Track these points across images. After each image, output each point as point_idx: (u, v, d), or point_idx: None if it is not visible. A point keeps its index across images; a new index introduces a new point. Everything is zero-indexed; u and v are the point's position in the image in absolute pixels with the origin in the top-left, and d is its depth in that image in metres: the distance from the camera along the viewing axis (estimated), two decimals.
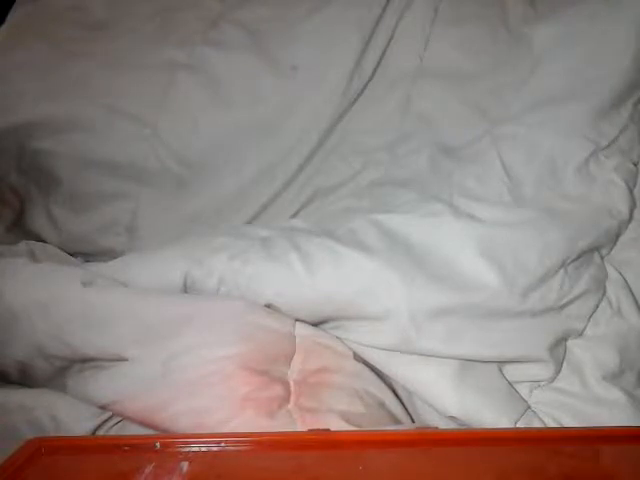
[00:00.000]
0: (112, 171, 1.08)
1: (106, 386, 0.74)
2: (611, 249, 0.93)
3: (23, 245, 1.00)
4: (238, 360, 0.72)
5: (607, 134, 0.96)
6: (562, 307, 0.85)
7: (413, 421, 0.82)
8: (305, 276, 0.81)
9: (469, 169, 1.00)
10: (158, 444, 0.55)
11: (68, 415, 0.71)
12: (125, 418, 0.72)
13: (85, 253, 1.10)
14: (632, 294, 0.89)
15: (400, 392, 0.83)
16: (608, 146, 0.95)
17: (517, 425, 0.78)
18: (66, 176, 1.08)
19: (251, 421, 0.69)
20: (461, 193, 0.96)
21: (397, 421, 0.78)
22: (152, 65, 1.12)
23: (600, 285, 0.89)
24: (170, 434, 0.69)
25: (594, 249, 0.90)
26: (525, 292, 0.82)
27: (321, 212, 1.10)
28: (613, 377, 0.84)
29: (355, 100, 1.10)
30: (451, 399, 0.79)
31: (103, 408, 0.72)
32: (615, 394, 0.82)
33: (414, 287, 0.80)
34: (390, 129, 1.10)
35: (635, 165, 0.97)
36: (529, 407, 0.81)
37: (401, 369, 0.82)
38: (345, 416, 0.72)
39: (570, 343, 0.86)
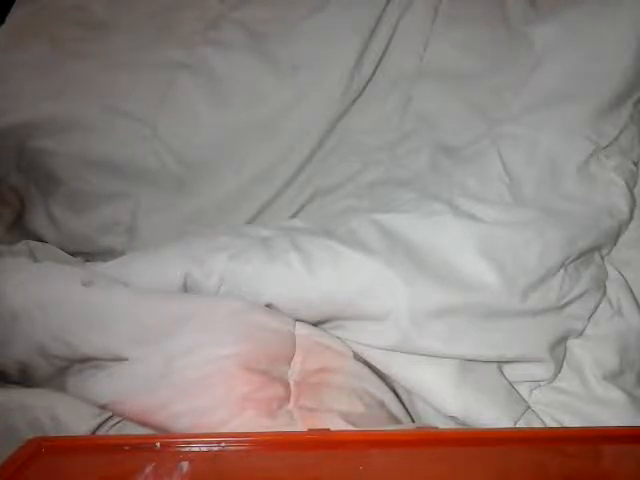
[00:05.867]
0: (112, 171, 1.08)
1: (106, 386, 0.74)
2: (611, 249, 0.93)
3: (23, 245, 1.00)
4: (238, 360, 0.72)
5: (607, 134, 0.96)
6: (562, 307, 0.85)
7: (413, 421, 0.82)
8: (305, 276, 0.81)
9: (469, 169, 1.00)
10: (158, 444, 0.55)
11: (68, 415, 0.70)
12: (125, 418, 0.72)
13: (85, 253, 1.10)
14: (632, 294, 0.89)
15: (400, 392, 0.83)
16: (608, 146, 0.95)
17: (517, 425, 0.78)
18: (66, 176, 1.08)
19: (251, 421, 0.69)
20: (461, 193, 0.96)
21: (397, 421, 0.78)
22: (152, 65, 1.12)
23: (600, 285, 0.89)
24: (170, 434, 0.69)
25: (594, 249, 0.90)
26: (525, 292, 0.82)
27: (321, 212, 1.10)
28: (613, 377, 0.84)
29: (355, 100, 1.10)
30: (451, 399, 0.79)
31: (103, 408, 0.72)
32: (615, 394, 0.82)
33: (414, 287, 0.80)
34: (390, 129, 1.10)
35: (635, 165, 0.97)
36: (529, 407, 0.81)
37: (401, 369, 0.82)
38: (345, 416, 0.72)
39: (570, 343, 0.86)
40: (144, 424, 0.71)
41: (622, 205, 0.92)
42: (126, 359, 0.75)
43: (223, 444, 0.55)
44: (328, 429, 0.66)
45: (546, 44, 1.03)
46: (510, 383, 0.83)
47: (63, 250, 1.07)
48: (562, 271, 0.85)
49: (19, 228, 1.12)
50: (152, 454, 0.54)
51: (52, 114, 1.07)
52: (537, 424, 0.79)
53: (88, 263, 1.03)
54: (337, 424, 0.70)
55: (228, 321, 0.77)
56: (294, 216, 1.10)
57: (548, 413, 0.81)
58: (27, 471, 0.52)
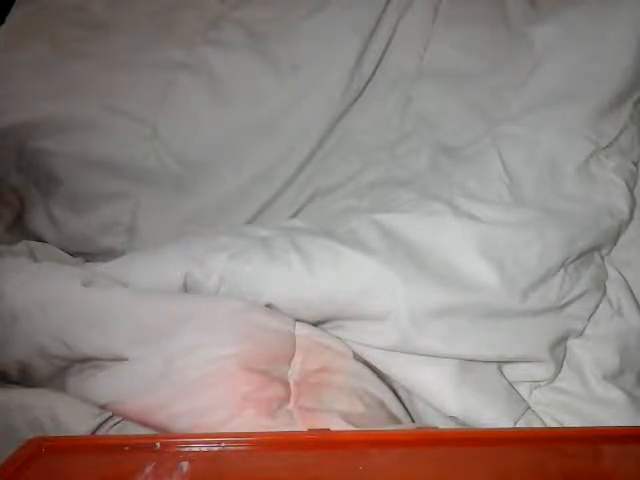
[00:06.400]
0: (112, 171, 1.08)
1: (106, 386, 0.74)
2: (611, 249, 0.93)
3: (23, 245, 1.00)
4: (238, 360, 0.72)
5: (607, 134, 0.96)
6: (562, 307, 0.85)
7: (413, 421, 0.82)
8: (305, 276, 0.81)
9: (469, 169, 1.00)
10: (158, 444, 0.55)
11: (68, 415, 0.70)
12: (125, 418, 0.72)
13: (85, 253, 1.10)
14: (632, 294, 0.90)
15: (400, 392, 0.83)
16: (608, 146, 0.95)
17: (517, 425, 0.78)
18: (66, 176, 1.08)
19: (251, 421, 0.69)
20: (461, 193, 0.96)
21: (397, 421, 0.78)
22: (152, 65, 1.12)
23: (600, 285, 0.89)
24: (170, 434, 0.69)
25: (594, 249, 0.90)
26: (525, 292, 0.82)
27: (321, 212, 1.10)
28: (613, 377, 0.84)
29: (355, 100, 1.10)
30: (451, 399, 0.79)
31: (103, 408, 0.72)
32: (615, 394, 0.82)
33: (414, 287, 0.80)
34: (390, 129, 1.10)
35: (635, 165, 0.97)
36: (529, 407, 0.81)
37: (401, 369, 0.82)
38: (345, 416, 0.72)
39: (570, 343, 0.86)
40: (144, 424, 0.71)
41: (622, 205, 0.92)
42: (126, 359, 0.75)
43: (223, 444, 0.55)
44: (328, 429, 0.66)
45: (546, 44, 1.03)
46: (510, 383, 0.83)
47: (63, 250, 1.07)
48: (562, 271, 0.85)
49: (19, 228, 1.12)
50: (152, 454, 0.54)
51: (52, 114, 1.07)
52: (537, 424, 0.79)
53: (88, 263, 1.03)
54: (337, 424, 0.70)
55: (228, 321, 0.77)
56: (294, 216, 1.10)
57: (548, 413, 0.81)
58: (27, 471, 0.52)
